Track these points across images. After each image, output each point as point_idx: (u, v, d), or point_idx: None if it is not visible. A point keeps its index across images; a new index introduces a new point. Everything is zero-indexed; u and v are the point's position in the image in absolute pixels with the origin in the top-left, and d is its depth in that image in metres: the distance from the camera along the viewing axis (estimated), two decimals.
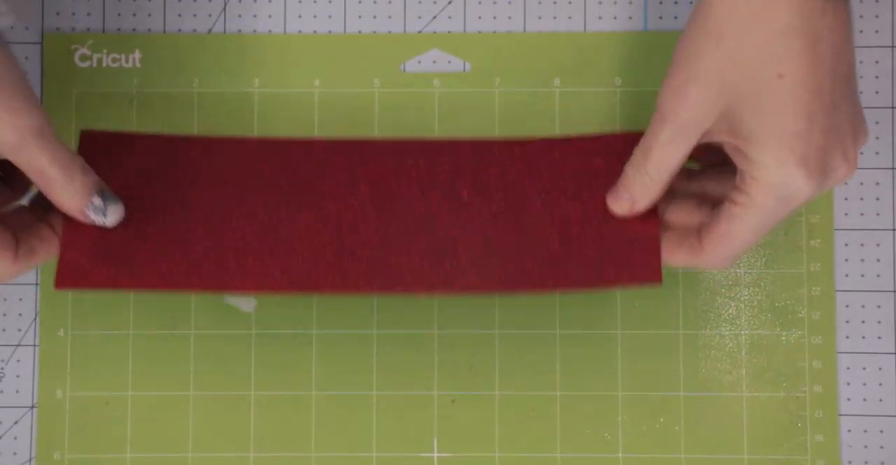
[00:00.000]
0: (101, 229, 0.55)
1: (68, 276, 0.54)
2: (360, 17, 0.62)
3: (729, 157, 0.52)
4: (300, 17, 0.62)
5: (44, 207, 0.56)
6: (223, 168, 0.57)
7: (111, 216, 0.55)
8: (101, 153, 0.58)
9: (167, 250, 0.55)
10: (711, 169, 0.55)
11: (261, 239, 0.56)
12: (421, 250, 0.55)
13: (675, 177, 0.54)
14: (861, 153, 0.61)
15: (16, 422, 0.60)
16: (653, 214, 0.54)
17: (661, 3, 0.62)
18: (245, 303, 0.61)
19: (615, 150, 0.56)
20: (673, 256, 0.54)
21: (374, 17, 0.62)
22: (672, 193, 0.55)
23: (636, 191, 0.53)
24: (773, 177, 0.49)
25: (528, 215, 0.56)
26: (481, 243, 0.55)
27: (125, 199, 0.56)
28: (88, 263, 0.55)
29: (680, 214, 0.55)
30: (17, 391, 0.60)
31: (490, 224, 0.56)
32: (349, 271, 0.55)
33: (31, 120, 0.53)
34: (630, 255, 0.54)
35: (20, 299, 0.61)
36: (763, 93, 0.49)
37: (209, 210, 0.56)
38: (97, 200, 0.54)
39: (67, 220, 0.55)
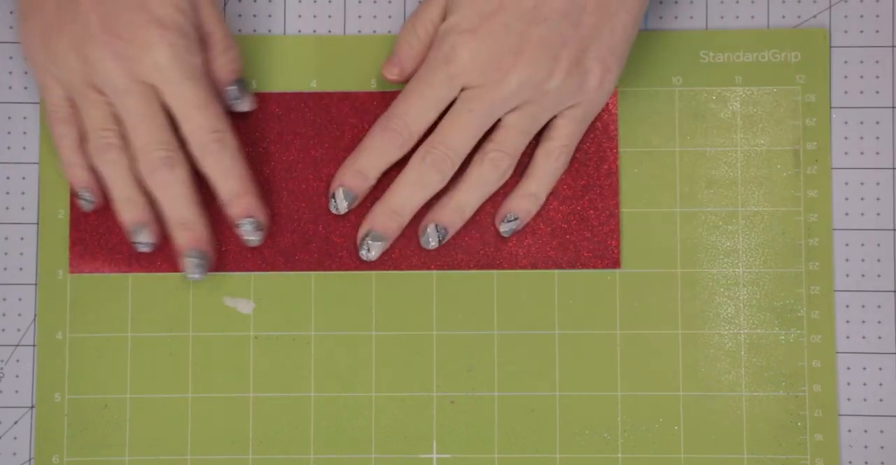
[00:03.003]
0: (105, 215, 0.59)
1: (80, 262, 0.60)
2: (359, 17, 0.62)
3: None
4: (300, 17, 0.62)
5: None
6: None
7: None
8: None
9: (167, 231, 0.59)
10: None
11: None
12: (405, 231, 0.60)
13: None
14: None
15: (15, 422, 0.60)
16: (613, 206, 0.60)
17: (661, 2, 0.62)
18: (244, 305, 0.61)
19: None
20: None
21: (374, 16, 0.62)
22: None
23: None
24: None
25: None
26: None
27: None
28: (96, 249, 0.60)
29: None
30: (16, 392, 0.60)
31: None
32: (334, 248, 0.60)
33: None
34: (591, 243, 0.60)
35: (20, 299, 0.61)
36: None
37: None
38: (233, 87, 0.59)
39: (73, 208, 0.60)
